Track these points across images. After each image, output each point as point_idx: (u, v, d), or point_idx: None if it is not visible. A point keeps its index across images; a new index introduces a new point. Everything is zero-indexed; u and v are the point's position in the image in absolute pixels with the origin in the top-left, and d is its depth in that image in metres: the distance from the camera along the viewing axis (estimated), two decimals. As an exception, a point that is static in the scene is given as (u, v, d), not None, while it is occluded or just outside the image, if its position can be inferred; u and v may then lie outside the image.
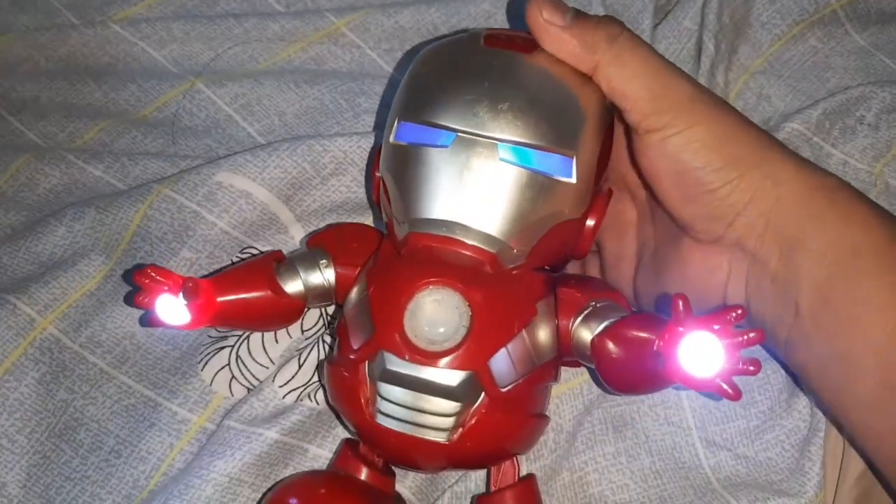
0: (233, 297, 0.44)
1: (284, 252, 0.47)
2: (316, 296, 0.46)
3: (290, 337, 0.51)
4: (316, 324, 0.52)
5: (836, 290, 0.41)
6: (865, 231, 0.41)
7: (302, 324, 0.51)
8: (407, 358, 0.39)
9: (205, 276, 0.45)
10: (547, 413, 0.45)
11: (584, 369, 0.50)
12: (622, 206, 0.49)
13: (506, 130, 0.40)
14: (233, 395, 0.50)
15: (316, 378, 0.50)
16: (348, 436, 0.48)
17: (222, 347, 0.51)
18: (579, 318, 0.42)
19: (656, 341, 0.37)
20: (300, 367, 0.50)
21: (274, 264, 0.45)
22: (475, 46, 0.42)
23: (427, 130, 0.40)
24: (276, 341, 0.51)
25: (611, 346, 0.40)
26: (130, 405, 0.50)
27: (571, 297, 0.42)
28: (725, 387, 0.35)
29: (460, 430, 0.40)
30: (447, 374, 0.39)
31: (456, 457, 0.42)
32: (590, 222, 0.43)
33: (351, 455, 0.44)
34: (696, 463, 0.48)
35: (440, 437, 0.40)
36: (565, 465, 0.49)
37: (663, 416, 0.49)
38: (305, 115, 0.59)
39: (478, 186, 0.40)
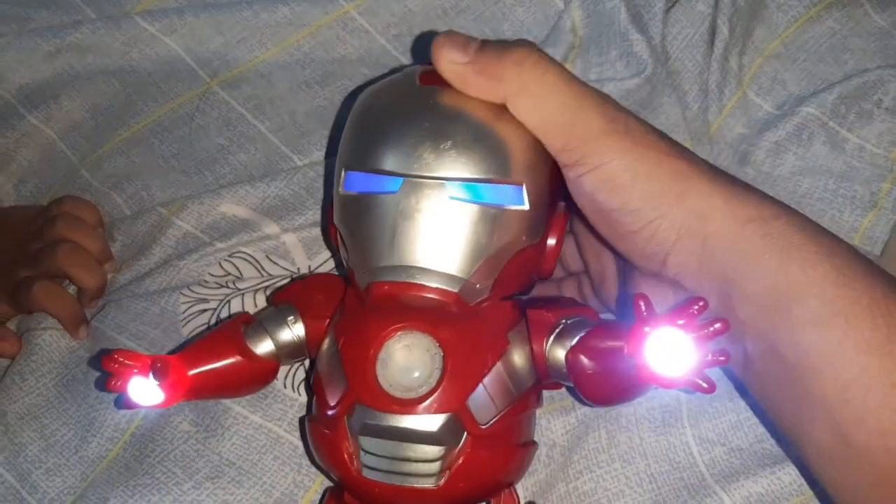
0: (204, 368, 0.43)
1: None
2: (288, 353, 0.45)
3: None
4: None
5: (782, 341, 0.38)
6: (806, 270, 0.38)
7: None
8: (384, 409, 0.39)
9: (171, 352, 0.46)
10: (534, 438, 0.45)
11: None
12: None
13: (452, 168, 0.40)
14: None
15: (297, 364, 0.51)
16: (330, 484, 0.47)
17: (204, 310, 0.52)
18: (552, 338, 0.42)
19: (624, 345, 0.37)
20: None
21: (242, 327, 0.45)
22: (412, 86, 0.42)
23: (374, 178, 0.40)
24: (256, 305, 0.52)
25: (583, 359, 0.40)
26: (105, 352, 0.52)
27: (541, 318, 0.42)
28: (699, 381, 0.35)
29: (447, 472, 0.40)
30: (427, 420, 0.39)
31: (448, 500, 0.41)
32: (551, 241, 0.43)
33: None
34: (690, 462, 0.47)
35: (428, 483, 0.40)
36: (560, 477, 0.48)
37: (660, 419, 0.48)
38: (315, 113, 0.60)
39: (431, 228, 0.40)
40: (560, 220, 0.43)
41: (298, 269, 0.54)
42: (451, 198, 0.40)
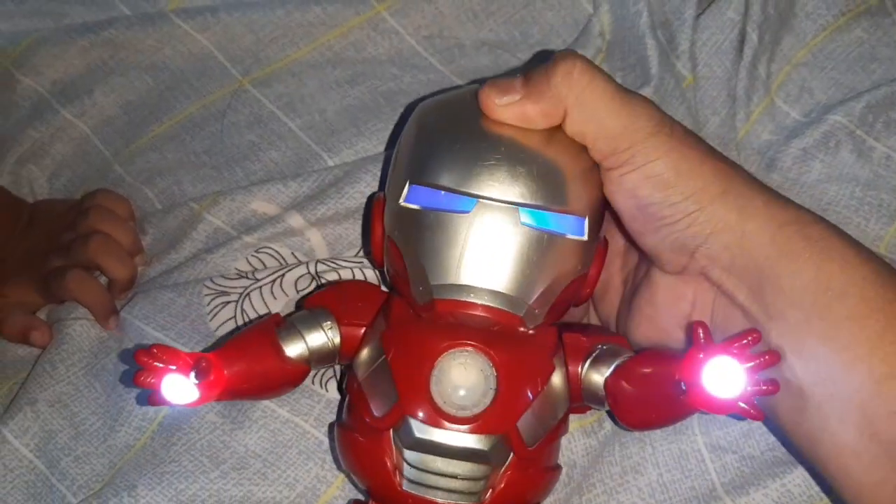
0: (240, 369, 0.43)
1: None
2: (320, 358, 0.45)
3: (287, 295, 0.53)
4: (309, 285, 0.53)
5: (815, 335, 0.39)
6: (846, 270, 0.39)
7: (296, 283, 0.53)
8: (436, 425, 0.39)
9: (206, 349, 0.46)
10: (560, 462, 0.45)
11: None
12: (610, 234, 0.48)
13: (525, 195, 0.40)
14: None
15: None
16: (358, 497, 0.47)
17: (227, 302, 0.53)
18: (587, 363, 0.42)
19: (676, 371, 0.37)
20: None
21: (275, 328, 0.44)
22: (477, 115, 0.42)
23: (444, 195, 0.41)
24: (275, 297, 0.53)
25: (625, 385, 0.41)
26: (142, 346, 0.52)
27: (577, 343, 0.43)
28: (747, 407, 0.36)
29: (491, 491, 0.41)
30: (478, 439, 0.39)
31: None
32: (592, 271, 0.44)
33: None
34: (702, 469, 0.47)
35: (471, 500, 0.41)
36: (575, 492, 0.49)
37: (671, 427, 0.48)
38: (346, 112, 0.60)
39: (501, 251, 0.40)
40: (601, 251, 0.44)
41: (307, 264, 0.54)
42: (522, 223, 0.40)
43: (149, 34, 0.63)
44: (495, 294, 0.41)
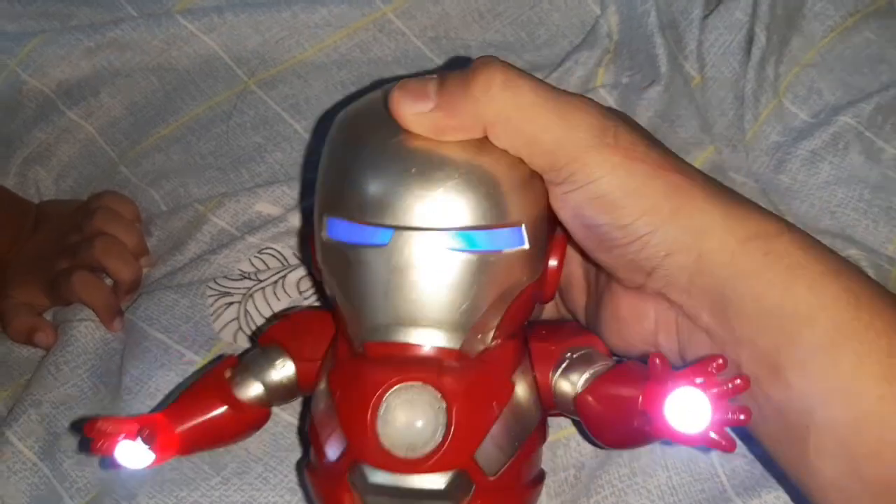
0: (192, 423, 0.41)
1: None
2: (279, 395, 0.43)
3: (290, 296, 0.53)
4: (310, 287, 0.53)
5: (786, 364, 0.35)
6: (814, 291, 0.35)
7: (298, 284, 0.53)
8: (388, 469, 0.37)
9: (154, 410, 0.45)
10: (552, 467, 0.43)
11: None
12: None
13: (444, 218, 0.36)
14: (236, 343, 0.52)
15: None
16: None
17: (230, 303, 0.53)
18: (558, 372, 0.40)
19: (639, 399, 0.35)
20: None
21: (228, 373, 0.43)
22: (391, 120, 0.37)
23: (359, 228, 0.37)
24: (278, 298, 0.53)
25: (594, 404, 0.38)
26: (146, 348, 0.52)
27: (546, 352, 0.40)
28: (717, 438, 0.33)
29: None
30: (434, 479, 0.37)
31: None
32: (552, 263, 0.40)
33: None
34: (711, 472, 0.47)
35: None
36: (583, 493, 0.48)
37: None
38: None
39: (426, 283, 0.37)
40: (559, 241, 0.41)
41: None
42: (447, 248, 0.36)
43: (155, 35, 0.63)
44: (427, 331, 0.37)
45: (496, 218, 0.37)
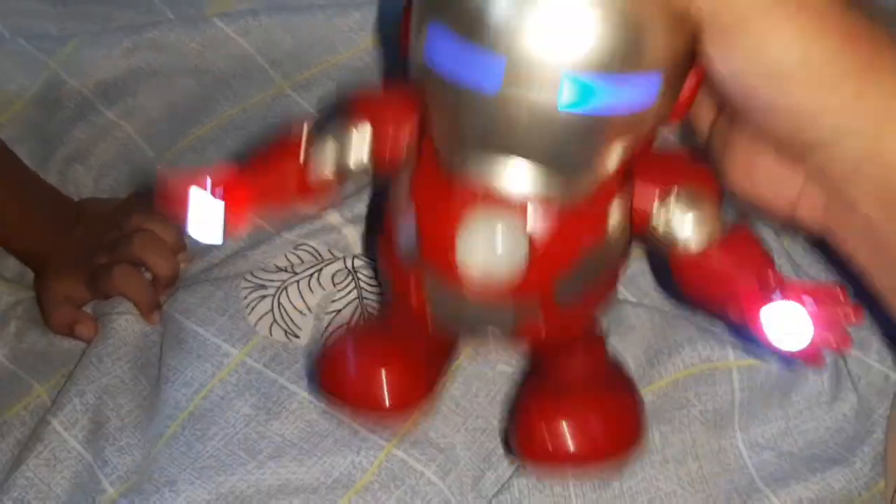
0: (261, 176, 0.38)
1: None
2: (350, 165, 0.38)
3: (324, 289, 0.54)
4: (346, 280, 0.54)
5: None
6: None
7: (333, 277, 0.54)
8: (460, 289, 0.35)
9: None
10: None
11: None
12: None
13: (569, 53, 0.30)
14: (272, 336, 0.53)
15: None
16: None
17: (264, 296, 0.54)
18: (659, 212, 0.35)
19: (740, 298, 0.33)
20: None
21: (305, 130, 0.38)
22: None
23: (467, 53, 0.31)
24: (311, 291, 0.54)
25: (690, 271, 0.35)
26: (182, 339, 0.54)
27: (649, 189, 0.35)
28: (809, 356, 0.33)
29: (521, 335, 0.38)
30: (502, 305, 0.36)
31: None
32: (685, 92, 0.34)
33: None
34: (740, 464, 0.48)
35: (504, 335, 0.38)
36: (614, 476, 0.49)
37: (712, 421, 0.49)
38: None
39: (538, 144, 0.32)
40: (697, 72, 0.34)
41: (344, 259, 0.55)
42: (562, 108, 0.31)
43: (192, 37, 0.64)
44: (528, 178, 0.34)
45: (632, 64, 0.31)
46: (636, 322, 0.51)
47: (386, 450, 0.49)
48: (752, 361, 0.50)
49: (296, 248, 0.56)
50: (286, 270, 0.55)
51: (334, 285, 0.54)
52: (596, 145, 0.33)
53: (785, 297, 0.32)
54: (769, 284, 0.33)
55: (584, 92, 0.30)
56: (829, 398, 0.50)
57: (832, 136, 0.32)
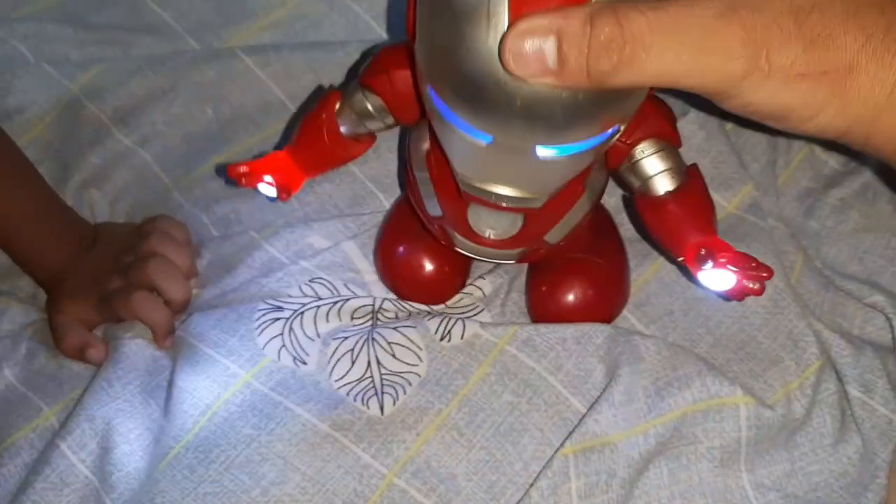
0: (308, 155, 0.51)
1: None
2: (379, 130, 0.50)
3: (340, 320, 0.54)
4: (366, 317, 0.55)
5: None
6: None
7: (354, 312, 0.55)
8: (473, 240, 0.48)
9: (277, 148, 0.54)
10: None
11: (643, 429, 0.51)
12: None
13: (544, 138, 0.37)
14: (279, 360, 0.53)
15: (368, 377, 0.52)
16: None
17: (277, 318, 0.54)
18: (629, 163, 0.46)
19: (684, 256, 0.45)
20: (353, 363, 0.52)
21: (337, 104, 0.48)
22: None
23: (462, 122, 0.38)
24: (327, 320, 0.54)
25: (649, 217, 0.46)
26: (194, 362, 0.54)
27: (619, 150, 0.45)
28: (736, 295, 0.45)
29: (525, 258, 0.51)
30: (507, 251, 0.49)
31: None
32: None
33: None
34: None
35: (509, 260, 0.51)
36: None
37: (718, 459, 0.50)
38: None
39: (519, 173, 0.41)
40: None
41: (374, 299, 0.56)
42: (541, 157, 0.38)
43: (211, 67, 0.65)
44: (517, 198, 0.42)
45: (594, 132, 0.37)
46: (645, 354, 0.52)
47: (387, 479, 0.49)
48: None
49: (311, 281, 0.57)
50: (307, 294, 0.56)
51: (352, 319, 0.55)
52: (575, 167, 0.41)
53: (716, 265, 0.43)
54: (707, 251, 0.43)
55: (559, 151, 0.38)
56: (834, 440, 0.50)
57: (833, 134, 0.35)
